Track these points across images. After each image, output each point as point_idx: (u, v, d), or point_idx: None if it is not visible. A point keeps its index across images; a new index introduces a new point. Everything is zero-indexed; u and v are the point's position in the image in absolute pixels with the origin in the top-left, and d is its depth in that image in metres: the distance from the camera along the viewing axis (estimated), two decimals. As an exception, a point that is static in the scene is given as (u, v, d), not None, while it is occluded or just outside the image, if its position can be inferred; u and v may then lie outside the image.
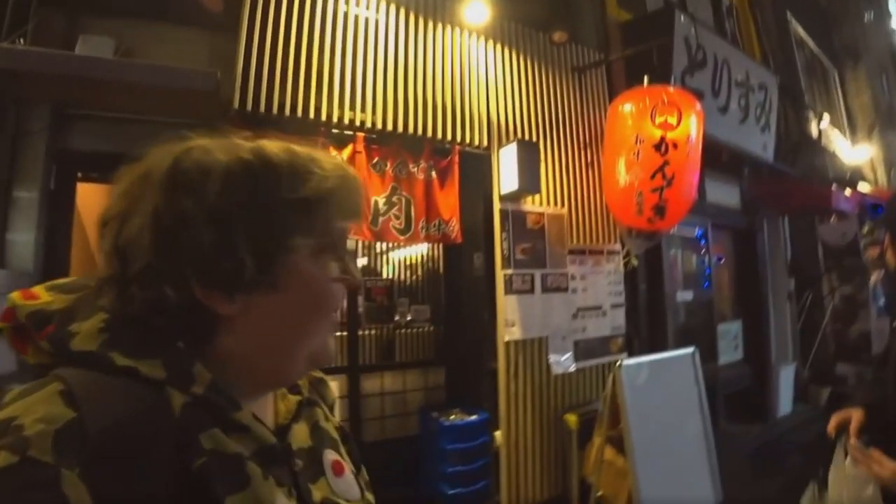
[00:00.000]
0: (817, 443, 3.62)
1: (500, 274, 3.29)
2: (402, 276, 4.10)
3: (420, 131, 3.13)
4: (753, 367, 5.61)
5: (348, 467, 0.65)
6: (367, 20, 3.05)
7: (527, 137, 3.48)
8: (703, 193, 4.59)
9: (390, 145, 3.15)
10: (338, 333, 3.62)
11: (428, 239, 3.31)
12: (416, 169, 3.24)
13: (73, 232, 2.81)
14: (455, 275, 3.89)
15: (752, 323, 5.75)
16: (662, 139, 3.16)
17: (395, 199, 3.15)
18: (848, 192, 6.14)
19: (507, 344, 3.25)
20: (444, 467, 3.22)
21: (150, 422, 0.44)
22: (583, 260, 3.68)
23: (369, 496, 0.66)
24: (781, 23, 7.13)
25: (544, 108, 3.65)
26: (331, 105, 2.85)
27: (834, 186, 5.96)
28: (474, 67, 3.38)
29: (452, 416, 3.40)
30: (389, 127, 3.03)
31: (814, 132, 6.91)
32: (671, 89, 3.37)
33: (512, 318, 3.27)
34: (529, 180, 3.24)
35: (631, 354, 3.68)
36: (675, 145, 3.16)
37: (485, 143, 3.36)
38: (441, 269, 3.99)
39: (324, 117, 2.83)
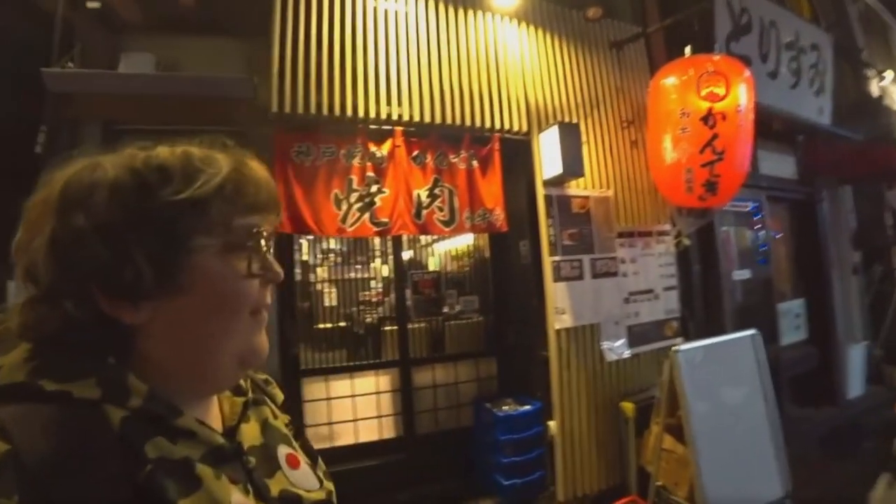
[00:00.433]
0: (892, 426, 3.41)
1: (548, 261, 3.24)
2: (449, 268, 4.09)
3: (458, 121, 3.10)
4: (819, 347, 5.31)
5: (303, 460, 0.67)
6: (396, 13, 3.05)
7: (566, 119, 3.39)
8: (755, 165, 4.36)
9: (429, 137, 3.14)
10: (388, 328, 3.65)
11: (473, 229, 3.29)
12: (456, 159, 3.22)
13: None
14: (502, 264, 3.85)
15: (816, 300, 5.43)
16: (710, 111, 3.07)
17: (437, 190, 3.14)
18: (917, 153, 5.70)
19: (559, 332, 3.20)
20: (498, 458, 3.21)
21: (88, 443, 0.45)
22: (632, 242, 3.59)
23: (328, 485, 0.68)
24: (831, -24, 6.66)
25: (583, 87, 3.55)
26: (367, 102, 2.87)
27: (901, 148, 5.55)
28: (508, 52, 3.32)
29: (505, 407, 3.38)
30: (427, 119, 3.02)
31: (875, 91, 6.45)
32: (716, 58, 3.24)
33: (562, 306, 3.22)
34: (572, 163, 3.15)
35: (687, 338, 3.55)
36: (723, 117, 3.06)
37: (524, 127, 3.31)
38: (488, 259, 3.95)
39: (361, 114, 2.85)
